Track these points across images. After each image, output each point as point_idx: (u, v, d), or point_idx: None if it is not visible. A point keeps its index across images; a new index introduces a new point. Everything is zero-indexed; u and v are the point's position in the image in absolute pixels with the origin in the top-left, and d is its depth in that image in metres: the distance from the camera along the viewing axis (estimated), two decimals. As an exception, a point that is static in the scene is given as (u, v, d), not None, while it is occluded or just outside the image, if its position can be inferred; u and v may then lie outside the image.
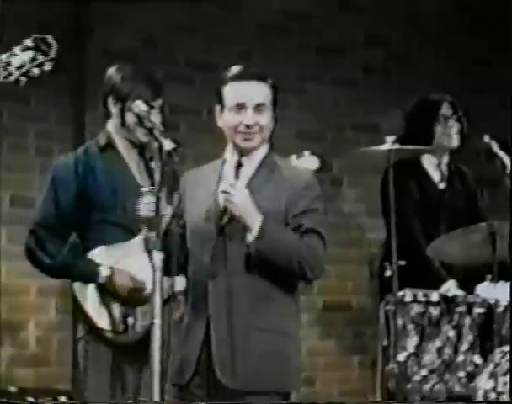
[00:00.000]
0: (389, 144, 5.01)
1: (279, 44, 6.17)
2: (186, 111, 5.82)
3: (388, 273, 4.98)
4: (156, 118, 3.94)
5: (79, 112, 5.53)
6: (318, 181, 3.65)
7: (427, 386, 4.94)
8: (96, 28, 5.66)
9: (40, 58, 3.32)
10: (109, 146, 4.17)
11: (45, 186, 4.14)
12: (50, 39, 3.36)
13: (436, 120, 5.43)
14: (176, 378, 3.63)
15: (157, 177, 3.48)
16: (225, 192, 3.53)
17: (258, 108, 3.57)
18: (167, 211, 3.79)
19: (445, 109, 5.44)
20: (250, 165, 3.61)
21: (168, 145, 3.59)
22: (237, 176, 3.56)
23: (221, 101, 3.61)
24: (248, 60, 6.01)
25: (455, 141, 5.45)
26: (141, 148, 4.15)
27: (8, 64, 3.28)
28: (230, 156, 3.64)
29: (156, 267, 3.39)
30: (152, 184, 3.67)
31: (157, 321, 3.37)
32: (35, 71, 3.34)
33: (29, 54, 3.32)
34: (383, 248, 5.38)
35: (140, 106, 3.85)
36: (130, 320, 4.03)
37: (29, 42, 3.34)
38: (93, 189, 4.12)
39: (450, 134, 5.44)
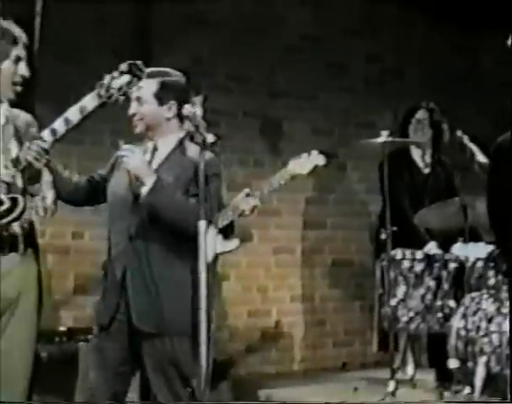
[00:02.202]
0: (384, 137, 5.00)
1: (297, 60, 6.08)
2: (225, 113, 5.75)
3: (383, 236, 4.97)
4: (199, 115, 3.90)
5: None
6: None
7: (412, 325, 4.92)
8: (154, 49, 5.56)
9: (134, 81, 3.23)
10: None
11: None
12: (141, 65, 3.25)
13: (410, 122, 5.40)
14: (98, 319, 3.53)
15: (201, 166, 3.45)
16: (122, 156, 3.44)
17: (139, 100, 3.50)
18: None
19: (420, 114, 5.43)
20: (165, 147, 3.53)
21: (210, 138, 3.55)
22: (152, 157, 3.50)
23: None
24: (273, 73, 6.03)
25: (425, 138, 5.41)
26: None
27: (110, 86, 3.19)
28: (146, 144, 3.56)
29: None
30: None
31: (203, 275, 3.35)
32: (130, 92, 3.27)
33: (126, 77, 3.20)
34: (379, 218, 5.36)
35: (188, 109, 3.80)
36: None
37: (124, 67, 3.23)
38: None
39: (422, 132, 5.39)
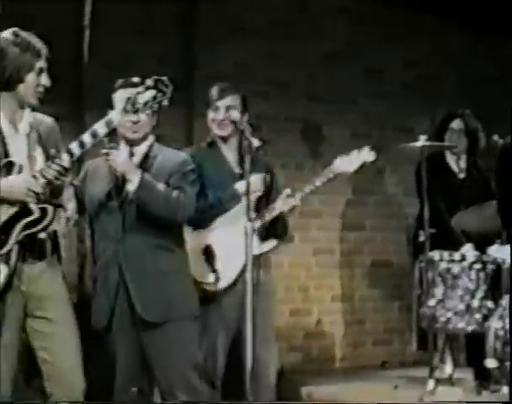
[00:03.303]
0: (422, 141, 4.97)
1: (336, 66, 6.08)
2: (267, 118, 5.75)
3: (421, 238, 4.95)
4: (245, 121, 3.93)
5: (189, 120, 5.50)
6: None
7: (451, 325, 4.88)
8: (199, 56, 5.62)
9: (159, 96, 3.28)
10: (212, 143, 4.15)
11: None
12: (166, 80, 3.30)
13: (446, 130, 5.37)
14: (95, 325, 3.59)
15: (247, 166, 3.48)
16: (106, 153, 3.51)
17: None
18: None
19: (456, 123, 5.39)
20: (139, 151, 3.62)
21: (255, 142, 3.58)
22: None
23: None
24: (313, 80, 6.03)
25: (461, 147, 5.38)
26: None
27: (136, 101, 3.26)
28: (123, 146, 3.64)
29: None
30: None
31: (249, 275, 3.36)
32: (155, 107, 3.31)
33: (152, 92, 3.26)
34: (417, 220, 5.34)
35: (236, 114, 3.82)
36: None
37: (150, 82, 3.28)
38: None
39: (458, 142, 5.36)
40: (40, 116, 3.37)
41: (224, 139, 4.08)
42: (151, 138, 3.70)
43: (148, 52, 5.29)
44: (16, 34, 3.27)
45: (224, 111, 4.01)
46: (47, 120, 3.39)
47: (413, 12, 6.18)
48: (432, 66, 6.44)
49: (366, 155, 4.09)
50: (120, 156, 3.52)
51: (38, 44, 3.30)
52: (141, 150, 3.66)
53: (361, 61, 6.15)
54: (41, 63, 3.28)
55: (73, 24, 5.14)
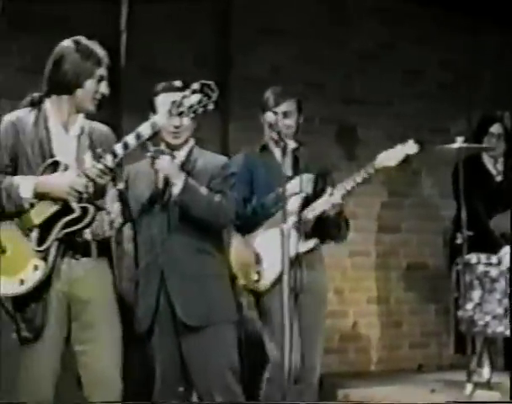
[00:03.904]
0: (459, 143, 4.92)
1: (371, 67, 6.06)
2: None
3: (459, 241, 4.89)
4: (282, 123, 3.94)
5: (224, 123, 5.53)
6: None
7: (490, 329, 4.83)
8: (234, 59, 5.63)
9: (204, 100, 3.27)
10: (265, 146, 4.17)
11: None
12: (212, 85, 3.30)
13: (484, 134, 5.31)
14: (138, 328, 3.59)
15: (286, 168, 3.48)
16: (152, 157, 3.52)
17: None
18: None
19: (495, 128, 5.33)
20: (181, 155, 3.63)
21: (292, 144, 3.60)
22: None
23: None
24: (349, 81, 6.02)
25: (499, 150, 5.32)
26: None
27: (181, 104, 3.26)
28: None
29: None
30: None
31: (286, 276, 3.35)
32: (200, 111, 3.31)
33: (197, 96, 3.26)
34: (454, 222, 5.29)
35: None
36: None
37: (196, 86, 3.28)
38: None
39: (497, 146, 5.31)
40: (95, 124, 3.41)
41: (277, 142, 4.08)
42: (191, 142, 3.71)
43: (184, 55, 5.32)
44: (77, 42, 3.32)
45: (281, 117, 4.03)
46: (103, 128, 3.43)
47: (449, 11, 6.13)
48: (468, 66, 6.40)
49: (410, 147, 4.08)
50: (165, 160, 3.54)
51: (100, 52, 3.34)
52: (181, 153, 3.67)
53: (397, 62, 6.13)
54: (102, 71, 3.32)
55: (110, 28, 5.17)
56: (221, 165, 3.68)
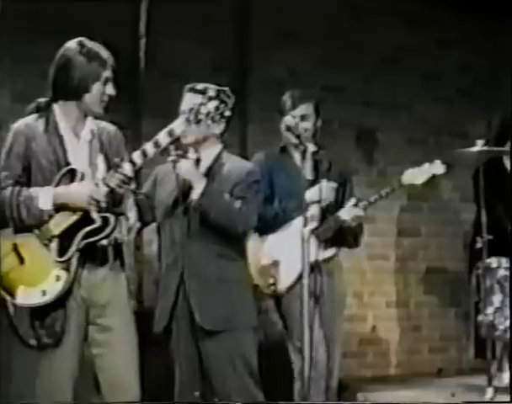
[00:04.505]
0: (479, 146, 4.89)
1: (391, 71, 6.05)
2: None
3: (479, 245, 4.86)
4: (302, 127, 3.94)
5: (243, 126, 5.52)
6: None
7: (510, 334, 4.80)
8: (253, 63, 5.63)
9: (221, 107, 3.26)
10: (284, 149, 4.16)
11: None
12: (228, 91, 3.30)
13: (507, 138, 5.29)
14: (155, 328, 3.59)
15: (307, 171, 3.47)
16: (173, 161, 3.50)
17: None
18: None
19: None
20: (208, 159, 3.61)
21: (311, 147, 3.58)
22: (197, 167, 3.58)
23: None
24: (368, 84, 6.00)
25: None
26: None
27: (199, 112, 3.25)
28: (191, 152, 3.63)
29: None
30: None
31: (306, 281, 3.35)
32: (217, 117, 3.29)
33: (214, 103, 3.25)
34: (474, 226, 5.26)
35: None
36: None
37: (212, 93, 3.28)
38: None
39: None
40: (103, 124, 3.38)
41: (296, 146, 4.08)
42: (219, 146, 3.69)
43: (203, 59, 5.32)
44: (82, 44, 3.28)
45: (299, 120, 4.04)
46: (110, 128, 3.39)
47: (469, 14, 6.11)
48: (488, 69, 6.38)
49: (437, 168, 4.09)
50: (186, 164, 3.53)
51: (104, 53, 3.30)
52: (209, 157, 3.64)
53: (417, 66, 6.11)
54: (107, 73, 3.28)
55: (130, 33, 5.19)
56: (246, 171, 3.65)
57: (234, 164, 3.66)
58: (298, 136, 3.82)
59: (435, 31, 6.15)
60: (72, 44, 3.29)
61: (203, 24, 5.41)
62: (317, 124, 4.15)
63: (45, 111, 3.27)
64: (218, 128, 3.62)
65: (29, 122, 3.26)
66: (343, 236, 4.08)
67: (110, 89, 3.29)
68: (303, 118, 4.04)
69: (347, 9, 5.94)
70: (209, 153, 3.64)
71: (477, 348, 5.10)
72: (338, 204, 4.12)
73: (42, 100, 3.31)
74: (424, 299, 6.20)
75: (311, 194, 3.86)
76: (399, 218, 6.16)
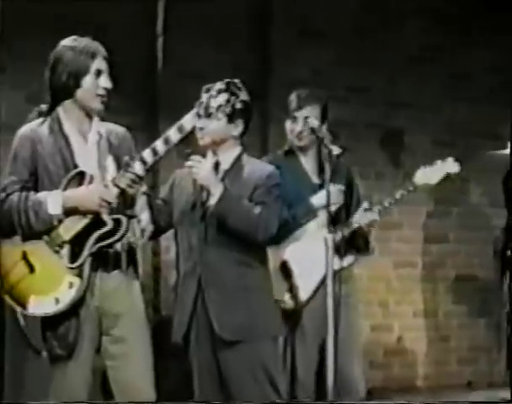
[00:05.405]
0: (510, 148, 4.87)
1: (418, 70, 6.01)
2: (345, 124, 5.69)
3: (510, 252, 4.83)
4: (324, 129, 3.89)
5: (264, 128, 5.52)
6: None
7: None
8: (274, 63, 5.65)
9: (232, 99, 3.21)
10: (290, 151, 4.10)
11: None
12: (238, 83, 3.27)
13: None
14: (173, 337, 3.55)
15: (327, 175, 3.43)
16: (191, 166, 3.47)
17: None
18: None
19: None
20: (227, 162, 3.57)
21: (336, 150, 3.53)
22: (216, 171, 3.54)
23: None
24: (394, 84, 5.97)
25: None
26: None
27: (209, 105, 3.18)
28: (209, 156, 3.58)
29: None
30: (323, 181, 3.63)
31: (330, 288, 3.30)
32: (228, 110, 3.25)
33: (225, 96, 3.17)
34: (505, 232, 5.21)
35: (314, 122, 3.78)
36: None
37: (222, 85, 3.20)
38: None
39: None
40: (111, 126, 3.32)
41: (302, 149, 4.05)
42: (238, 148, 3.64)
43: (223, 59, 5.31)
44: (69, 41, 3.22)
45: (302, 122, 3.94)
46: (119, 129, 3.34)
47: (497, 11, 6.07)
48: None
49: (450, 166, 4.00)
50: (203, 169, 3.49)
51: (92, 44, 3.22)
52: (228, 159, 3.60)
53: (445, 65, 6.06)
54: (98, 64, 3.20)
55: (147, 33, 5.20)
56: (267, 174, 3.58)
57: (254, 167, 3.61)
58: (321, 138, 3.76)
59: (463, 29, 6.09)
60: (61, 43, 3.23)
61: (222, 23, 5.40)
62: (323, 125, 3.92)
63: (48, 116, 3.23)
64: (236, 129, 3.58)
65: (33, 126, 3.23)
66: (355, 243, 4.03)
67: (105, 82, 3.21)
68: (306, 119, 3.88)
69: (371, 7, 5.89)
70: (228, 156, 3.59)
71: (510, 360, 5.06)
72: (346, 207, 4.03)
73: (44, 106, 3.27)
74: (452, 308, 6.15)
75: (318, 199, 3.82)
76: (426, 224, 6.11)
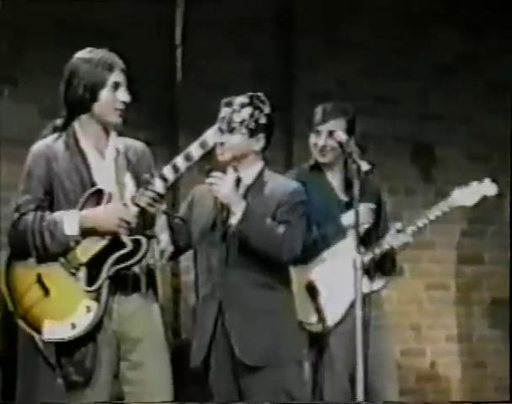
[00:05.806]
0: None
1: (450, 80, 5.91)
2: (373, 138, 5.58)
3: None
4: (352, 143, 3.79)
5: (288, 142, 5.45)
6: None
7: None
8: (298, 74, 5.58)
9: (256, 113, 3.17)
10: (316, 166, 4.02)
11: None
12: (262, 96, 3.22)
13: None
14: (192, 362, 3.54)
15: (356, 192, 3.32)
16: (212, 183, 3.44)
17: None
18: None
19: None
20: (248, 178, 3.55)
21: (364, 166, 3.50)
22: (237, 187, 3.51)
23: None
24: (425, 95, 5.87)
25: None
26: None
27: (232, 120, 3.15)
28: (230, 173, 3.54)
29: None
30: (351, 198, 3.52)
31: (359, 312, 3.20)
32: (251, 125, 3.20)
33: (248, 110, 3.15)
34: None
35: (342, 136, 3.70)
36: None
37: (245, 99, 3.19)
38: None
39: None
40: (129, 141, 3.29)
41: (326, 165, 3.96)
42: (260, 163, 3.61)
43: (245, 71, 5.27)
44: (86, 53, 3.21)
45: (326, 136, 3.88)
46: (137, 145, 3.31)
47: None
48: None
49: (488, 188, 3.97)
50: (225, 187, 3.45)
51: (109, 56, 3.20)
52: (249, 175, 3.57)
53: (477, 75, 5.95)
54: (116, 77, 3.17)
55: (166, 43, 5.15)
56: (290, 191, 3.56)
57: (277, 183, 3.58)
58: (349, 153, 3.67)
59: (497, 37, 5.97)
60: (77, 54, 3.21)
61: (243, 33, 5.36)
62: (350, 140, 3.89)
63: (63, 131, 3.20)
64: (258, 144, 3.55)
65: (48, 142, 3.19)
66: (382, 264, 3.92)
67: (123, 95, 3.18)
68: (331, 134, 3.83)
69: (400, 15, 5.81)
70: (249, 172, 3.56)
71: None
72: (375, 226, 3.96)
73: (59, 121, 3.24)
74: (488, 333, 6.02)
75: (348, 218, 3.75)
76: (460, 243, 6.00)
